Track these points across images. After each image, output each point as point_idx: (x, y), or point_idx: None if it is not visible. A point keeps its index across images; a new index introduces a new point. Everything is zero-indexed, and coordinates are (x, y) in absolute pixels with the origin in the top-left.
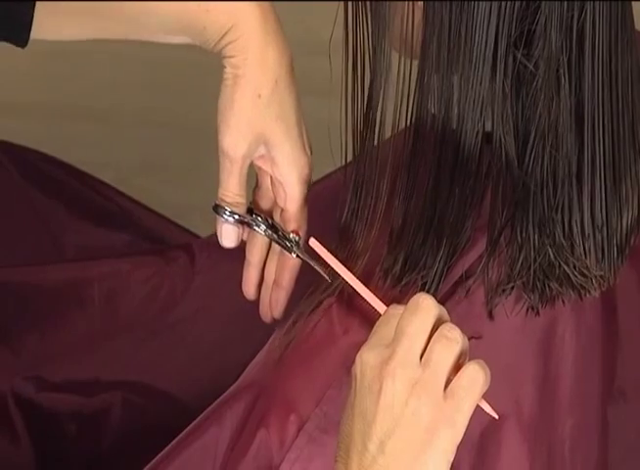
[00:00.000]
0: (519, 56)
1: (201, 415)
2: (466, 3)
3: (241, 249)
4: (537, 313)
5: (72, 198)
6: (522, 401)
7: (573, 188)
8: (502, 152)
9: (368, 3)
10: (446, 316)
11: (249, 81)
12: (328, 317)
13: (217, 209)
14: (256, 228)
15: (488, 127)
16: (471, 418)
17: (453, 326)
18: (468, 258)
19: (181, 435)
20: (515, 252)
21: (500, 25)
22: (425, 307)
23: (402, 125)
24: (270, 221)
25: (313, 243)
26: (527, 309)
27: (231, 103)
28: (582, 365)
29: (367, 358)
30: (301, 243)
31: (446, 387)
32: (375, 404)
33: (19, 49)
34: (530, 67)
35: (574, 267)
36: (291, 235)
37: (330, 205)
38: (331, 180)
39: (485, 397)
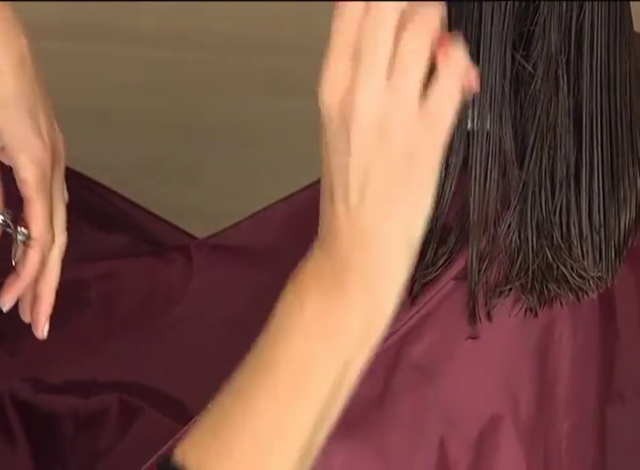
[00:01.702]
0: (517, 57)
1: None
2: (465, 4)
3: (240, 250)
4: (536, 315)
5: (71, 199)
6: (519, 402)
7: (571, 190)
8: (500, 153)
9: None
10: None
11: None
12: None
13: None
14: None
15: (487, 127)
16: (469, 417)
17: (423, 15)
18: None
19: (179, 435)
20: (513, 253)
21: (499, 26)
22: (383, 7)
23: None
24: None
25: None
26: (526, 311)
27: None
28: (580, 366)
29: (328, 96)
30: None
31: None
32: (346, 150)
33: None
34: (529, 68)
35: (572, 269)
36: (20, 229)
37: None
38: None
39: (482, 395)
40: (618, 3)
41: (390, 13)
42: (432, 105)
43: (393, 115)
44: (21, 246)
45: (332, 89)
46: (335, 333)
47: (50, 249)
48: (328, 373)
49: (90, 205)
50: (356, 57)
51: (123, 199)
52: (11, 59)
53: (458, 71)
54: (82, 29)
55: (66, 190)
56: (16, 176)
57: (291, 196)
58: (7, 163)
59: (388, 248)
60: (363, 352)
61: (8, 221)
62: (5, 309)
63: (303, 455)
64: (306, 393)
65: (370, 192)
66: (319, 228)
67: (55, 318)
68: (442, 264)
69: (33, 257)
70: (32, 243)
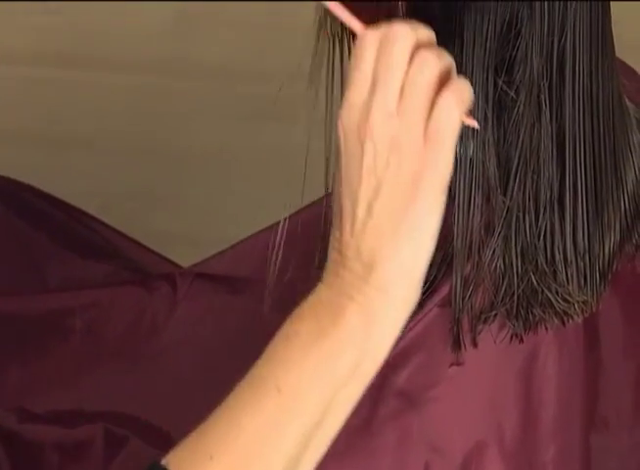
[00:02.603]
0: (500, 82)
1: None
2: (447, 28)
3: (225, 279)
4: (521, 340)
5: (55, 228)
6: (504, 427)
7: (555, 214)
8: (483, 178)
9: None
10: (427, 37)
11: None
12: None
13: None
14: None
15: (470, 153)
16: (454, 443)
17: (424, 57)
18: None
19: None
20: (498, 279)
21: (481, 51)
22: (401, 37)
23: None
24: None
25: None
26: (511, 336)
27: None
28: (565, 392)
29: (347, 122)
30: None
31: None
32: (359, 170)
33: (1, 76)
34: (511, 93)
35: (557, 293)
36: None
37: (309, 237)
38: (310, 211)
39: (467, 421)
40: (601, 27)
41: (401, 57)
42: (432, 130)
43: (403, 137)
44: None
45: (349, 116)
46: (326, 358)
47: None
48: (316, 396)
49: (74, 233)
50: (372, 89)
51: (107, 227)
52: None
53: (457, 101)
54: (66, 57)
55: None
56: None
57: (274, 225)
58: None
59: (391, 278)
60: (355, 381)
61: None
62: None
63: (287, 468)
64: (292, 409)
65: (378, 207)
66: (325, 265)
67: (39, 347)
68: (426, 291)
69: None
70: None
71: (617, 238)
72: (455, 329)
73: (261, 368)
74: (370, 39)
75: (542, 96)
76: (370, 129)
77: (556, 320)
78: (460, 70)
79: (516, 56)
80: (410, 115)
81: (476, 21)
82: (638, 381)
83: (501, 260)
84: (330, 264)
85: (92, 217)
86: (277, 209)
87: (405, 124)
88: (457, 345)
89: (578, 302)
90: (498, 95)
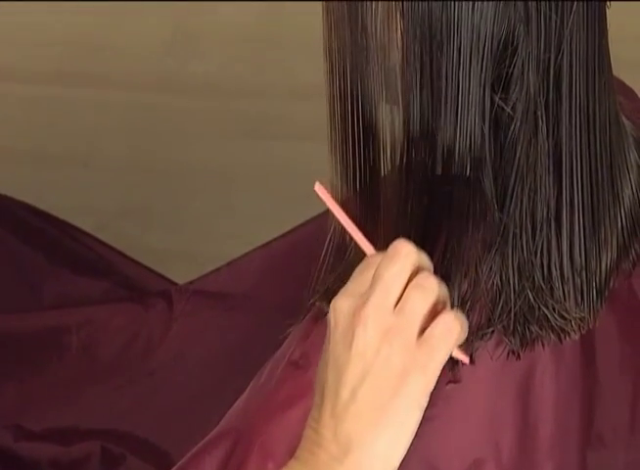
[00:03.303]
0: (496, 99)
1: (180, 462)
2: (445, 46)
3: (221, 296)
4: (518, 357)
5: (51, 246)
6: (501, 445)
7: (552, 231)
8: (480, 195)
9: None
10: (426, 263)
11: None
12: (305, 366)
13: None
14: None
15: (467, 170)
16: (451, 462)
17: (430, 275)
18: None
19: None
20: (495, 296)
21: (477, 68)
22: (404, 254)
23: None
24: None
25: (318, 187)
26: (508, 353)
27: None
28: (562, 409)
29: (341, 306)
30: None
31: (421, 335)
32: (347, 352)
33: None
34: (508, 110)
35: (554, 310)
36: None
37: (304, 255)
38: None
39: (465, 439)
40: (597, 44)
41: (409, 267)
42: (429, 336)
43: (396, 334)
44: None
45: (345, 301)
46: None
47: None
48: None
49: (70, 250)
50: (372, 284)
51: (103, 244)
52: None
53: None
54: (64, 74)
55: None
56: None
57: (269, 243)
58: None
59: (366, 464)
60: None
61: None
62: None
63: None
64: None
65: (362, 393)
66: (301, 442)
67: (36, 364)
68: None
69: None
70: None
71: (614, 255)
72: None
73: None
74: (376, 260)
75: (539, 113)
76: (364, 318)
77: (553, 337)
78: (457, 87)
79: (512, 73)
80: (407, 317)
81: (472, 38)
82: (634, 398)
83: (498, 277)
84: (305, 442)
85: (87, 234)
86: (274, 226)
87: (401, 323)
88: (454, 362)
89: (575, 318)
90: (495, 112)
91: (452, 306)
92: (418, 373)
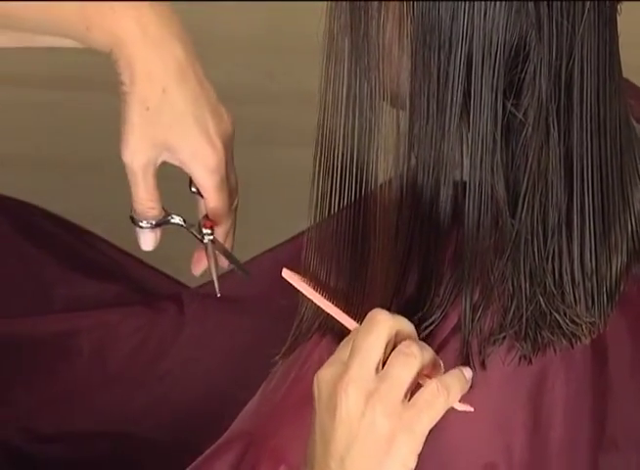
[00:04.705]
0: (508, 105)
1: (191, 465)
2: (454, 53)
3: (231, 299)
4: (529, 362)
5: (63, 250)
6: (512, 449)
7: (563, 236)
8: (492, 202)
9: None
10: (406, 327)
11: (135, 97)
12: (318, 365)
13: (132, 219)
14: (174, 221)
15: (479, 176)
16: (464, 465)
17: (411, 342)
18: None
19: None
20: (506, 301)
21: (489, 75)
22: (378, 322)
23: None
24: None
25: (286, 273)
26: (520, 358)
27: (124, 118)
28: (573, 413)
29: (323, 376)
30: (221, 234)
31: (407, 398)
32: (332, 421)
33: (11, 101)
34: (520, 116)
35: (565, 315)
36: (203, 229)
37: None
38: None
39: (476, 443)
40: (608, 49)
41: (385, 334)
42: (418, 399)
43: (380, 398)
44: (208, 242)
45: (328, 369)
46: None
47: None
48: None
49: (81, 254)
50: (352, 352)
51: (115, 248)
52: (172, 72)
53: (443, 398)
54: (75, 80)
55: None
56: (195, 182)
57: (278, 246)
58: (179, 166)
59: None
60: None
61: (184, 225)
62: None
63: None
64: None
65: (350, 461)
66: None
67: (47, 368)
68: (438, 318)
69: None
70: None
71: (625, 259)
72: (465, 351)
73: None
74: (356, 331)
75: (550, 119)
76: (345, 384)
77: (564, 342)
78: (469, 94)
79: (524, 79)
80: (392, 382)
81: (484, 44)
82: None
83: (510, 283)
84: None
85: (99, 238)
86: (282, 232)
87: (385, 388)
88: (466, 364)
89: (586, 323)
90: (507, 118)
91: (464, 313)
92: (405, 435)
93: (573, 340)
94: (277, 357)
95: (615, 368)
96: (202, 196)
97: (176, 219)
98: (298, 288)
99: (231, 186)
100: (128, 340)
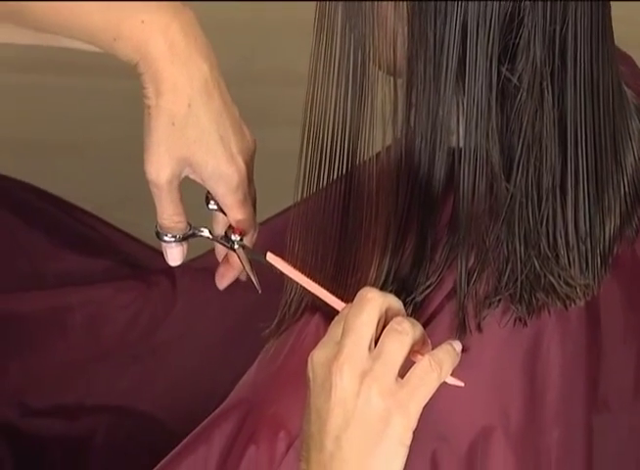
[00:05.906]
0: (503, 70)
1: (189, 435)
2: (449, 19)
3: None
4: (525, 324)
5: (52, 225)
6: (509, 412)
7: (557, 200)
8: (487, 166)
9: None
10: (396, 305)
11: (161, 111)
12: (315, 335)
13: (158, 234)
14: (201, 234)
15: (474, 141)
16: (460, 431)
17: (403, 319)
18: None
19: (170, 455)
20: (501, 265)
21: (484, 40)
22: (369, 300)
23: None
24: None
25: (270, 257)
26: (515, 321)
27: (148, 132)
28: (568, 375)
29: (318, 357)
30: (248, 242)
31: (400, 376)
32: (327, 401)
33: None
34: (515, 80)
35: (560, 277)
36: (232, 236)
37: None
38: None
39: (473, 406)
40: (601, 15)
41: (377, 312)
42: (411, 376)
43: (374, 377)
44: (239, 248)
45: (321, 350)
46: None
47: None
48: None
49: (72, 230)
50: (345, 332)
51: (105, 223)
52: (197, 88)
53: (437, 371)
54: (58, 63)
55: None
56: (217, 200)
57: (271, 218)
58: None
59: None
60: None
61: (211, 237)
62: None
63: None
64: None
65: (346, 440)
66: None
67: (40, 343)
68: (434, 282)
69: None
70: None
71: (618, 222)
72: (460, 314)
73: None
74: (346, 311)
75: (545, 83)
76: (340, 365)
77: (559, 304)
78: (464, 60)
79: (518, 44)
80: (385, 360)
81: (479, 10)
82: (639, 363)
83: (505, 247)
84: None
85: (88, 213)
86: (268, 211)
87: (379, 367)
88: (463, 330)
89: (580, 285)
90: (501, 83)
91: (460, 277)
92: (400, 413)
93: (568, 302)
94: (266, 332)
95: (607, 330)
96: (222, 212)
97: (205, 232)
98: (284, 271)
99: (252, 197)
100: (121, 314)
